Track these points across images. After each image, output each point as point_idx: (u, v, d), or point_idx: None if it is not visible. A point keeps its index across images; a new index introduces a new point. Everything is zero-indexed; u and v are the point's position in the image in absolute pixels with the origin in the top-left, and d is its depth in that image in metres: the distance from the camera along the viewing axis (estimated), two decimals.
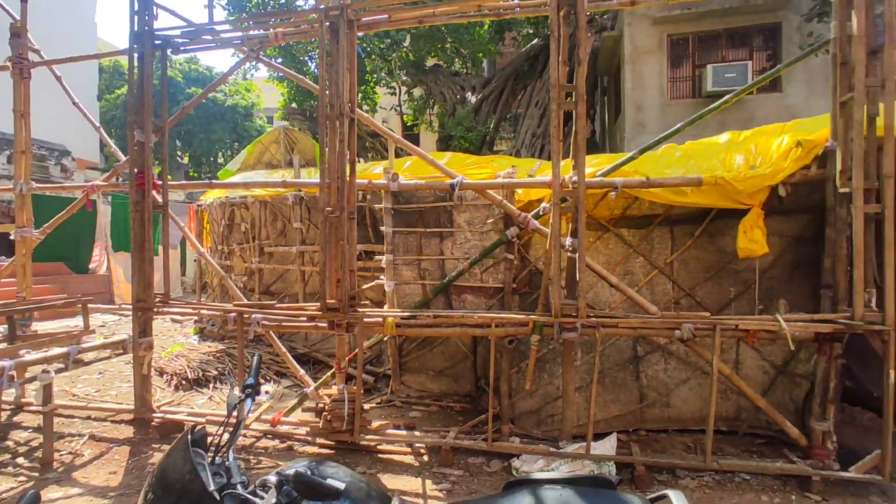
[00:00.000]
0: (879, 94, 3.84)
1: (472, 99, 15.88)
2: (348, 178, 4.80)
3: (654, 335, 4.52)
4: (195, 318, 9.48)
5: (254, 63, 14.03)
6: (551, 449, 4.42)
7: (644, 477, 4.18)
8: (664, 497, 1.90)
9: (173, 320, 10.96)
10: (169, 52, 5.48)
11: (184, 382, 6.74)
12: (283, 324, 5.21)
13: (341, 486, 1.86)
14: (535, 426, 5.12)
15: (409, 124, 20.28)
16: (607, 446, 4.49)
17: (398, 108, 18.23)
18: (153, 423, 5.24)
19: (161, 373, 7.03)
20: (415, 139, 23.95)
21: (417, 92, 18.28)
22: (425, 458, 4.79)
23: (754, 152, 4.59)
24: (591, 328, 4.28)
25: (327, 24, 4.75)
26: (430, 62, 17.29)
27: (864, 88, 3.83)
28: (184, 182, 8.76)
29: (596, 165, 5.25)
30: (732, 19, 11.23)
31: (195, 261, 10.41)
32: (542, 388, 5.12)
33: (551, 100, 4.25)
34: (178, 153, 24.10)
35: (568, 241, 4.41)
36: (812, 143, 4.23)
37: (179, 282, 15.83)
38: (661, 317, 4.25)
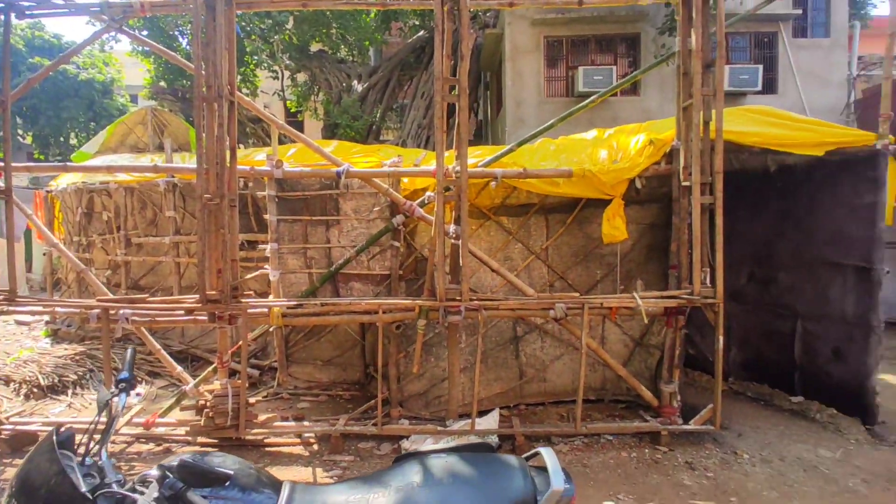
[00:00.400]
0: (713, 102, 4.46)
1: (358, 87, 15.70)
2: (229, 164, 4.59)
3: (531, 315, 4.88)
4: (47, 318, 8.48)
5: (114, 34, 12.69)
6: (439, 428, 4.63)
7: (523, 446, 4.53)
8: (537, 454, 2.12)
9: (18, 322, 9.68)
10: (13, 16, 4.82)
11: (35, 390, 6.02)
12: (158, 319, 4.87)
13: (230, 472, 1.85)
14: (424, 408, 5.31)
15: (292, 111, 19.50)
16: (490, 421, 4.79)
17: (281, 94, 17.49)
18: (1, 437, 4.65)
19: (7, 381, 6.22)
20: (299, 126, 23.07)
21: (301, 77, 17.67)
22: (315, 447, 4.77)
23: (616, 148, 5.11)
24: (474, 311, 4.52)
25: None
26: (314, 47, 16.76)
27: (701, 96, 4.43)
28: (31, 164, 7.72)
29: (478, 156, 5.52)
30: (600, 27, 12.24)
31: (44, 254, 9.22)
32: (430, 370, 5.31)
33: (435, 92, 4.40)
34: (20, 132, 21.05)
35: (452, 228, 4.61)
36: (662, 142, 4.82)
37: (24, 279, 13.93)
38: (537, 298, 4.61)
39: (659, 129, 5.27)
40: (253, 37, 13.90)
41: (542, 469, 2.07)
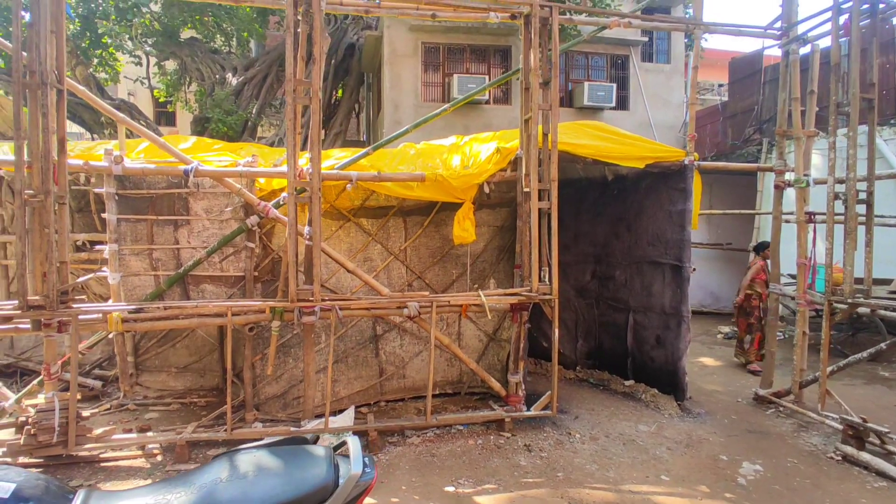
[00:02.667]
0: (549, 116, 4.92)
1: (233, 80, 14.97)
2: (57, 158, 4.23)
3: (386, 314, 5.03)
4: None
5: None
6: (292, 428, 4.62)
7: (377, 441, 4.68)
8: (344, 443, 2.25)
9: None
10: None
11: None
12: None
13: (9, 485, 1.77)
14: (282, 409, 5.26)
15: (161, 100, 18.10)
16: (346, 419, 4.88)
17: (145, 81, 16.17)
18: None
19: None
20: (170, 118, 21.49)
21: (171, 66, 16.47)
22: (159, 458, 4.54)
23: (469, 155, 5.43)
24: (328, 311, 4.58)
25: None
26: (186, 34, 15.71)
27: (539, 110, 4.86)
28: None
29: (340, 159, 5.57)
30: (475, 37, 12.78)
31: None
32: (288, 372, 5.27)
33: (286, 93, 4.39)
34: None
35: (306, 229, 4.63)
36: (508, 151, 5.20)
37: None
38: (390, 297, 4.77)
39: (510, 137, 5.68)
40: (105, 23, 12.70)
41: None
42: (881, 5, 4.75)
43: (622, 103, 13.43)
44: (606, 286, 6.77)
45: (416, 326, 5.48)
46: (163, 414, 5.53)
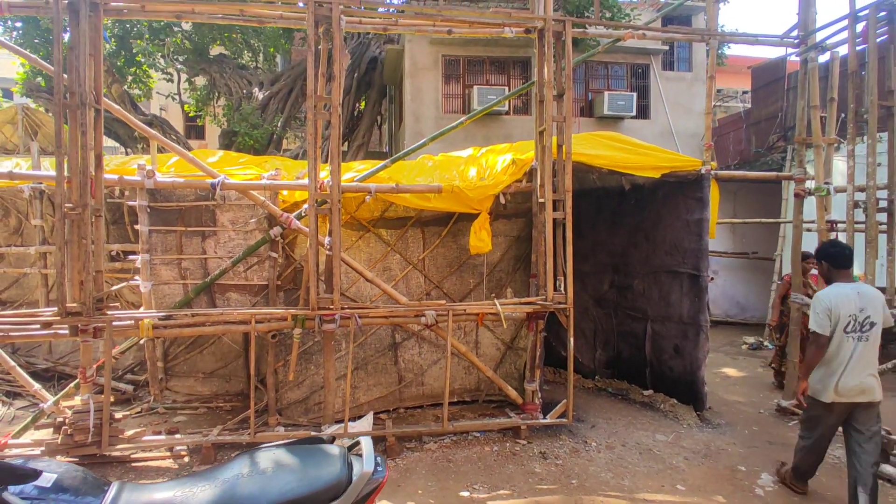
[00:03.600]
0: (563, 128, 5.00)
1: (259, 95, 15.42)
2: (94, 173, 4.49)
3: (404, 322, 5.15)
4: None
5: None
6: (312, 433, 4.75)
7: (395, 446, 4.78)
8: (358, 443, 2.36)
9: None
10: None
11: None
12: (11, 334, 4.61)
13: (38, 468, 1.93)
14: (303, 414, 5.41)
15: (191, 115, 18.70)
16: (365, 424, 5.00)
17: (176, 97, 16.77)
18: None
19: None
20: (199, 131, 22.18)
21: (201, 81, 17.06)
22: (186, 460, 4.72)
23: (485, 166, 5.54)
24: (348, 319, 4.72)
25: (65, 1, 4.38)
26: (215, 51, 16.28)
27: (552, 122, 4.95)
28: None
29: (361, 171, 5.74)
30: (494, 49, 12.94)
31: None
32: (309, 378, 5.43)
33: (307, 109, 4.58)
34: None
35: (327, 240, 4.79)
36: (523, 162, 5.30)
37: None
38: (407, 306, 4.89)
39: (525, 149, 5.78)
40: (139, 42, 13.26)
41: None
42: None
43: (643, 112, 13.40)
44: (624, 295, 6.78)
45: (434, 335, 5.58)
46: (190, 417, 5.73)
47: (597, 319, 7.12)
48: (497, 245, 5.76)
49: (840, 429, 3.91)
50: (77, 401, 4.59)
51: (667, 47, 13.51)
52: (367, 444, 2.30)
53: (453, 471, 4.43)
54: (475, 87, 12.44)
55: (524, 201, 5.58)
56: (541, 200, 5.01)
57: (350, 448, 2.40)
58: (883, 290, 5.01)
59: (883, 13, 4.69)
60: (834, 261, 3.89)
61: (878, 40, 4.74)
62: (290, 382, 5.30)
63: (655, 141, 12.79)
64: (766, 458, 4.80)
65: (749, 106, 13.42)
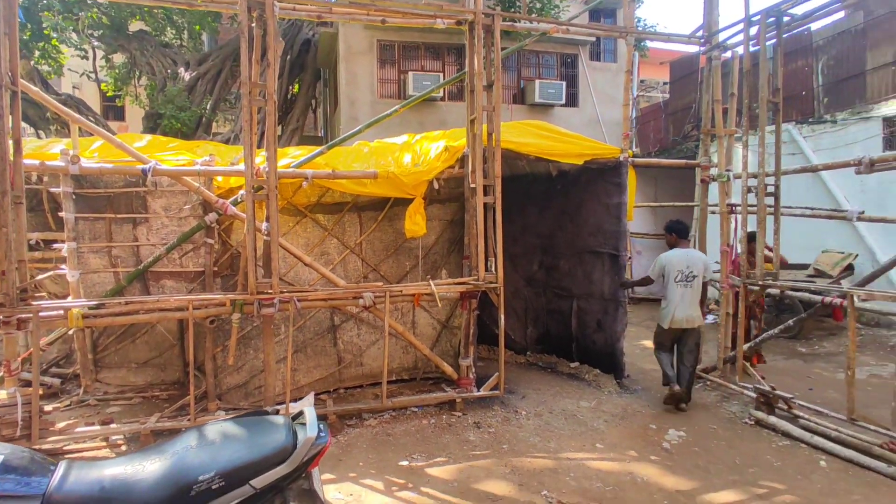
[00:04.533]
0: (493, 117, 5.28)
1: (185, 75, 14.77)
2: (12, 159, 4.32)
3: (343, 305, 5.31)
4: None
5: None
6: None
7: (336, 424, 4.97)
8: (301, 414, 2.55)
9: None
10: None
11: None
12: None
13: None
14: (244, 398, 5.48)
15: (109, 95, 17.62)
16: (305, 405, 5.14)
17: (92, 75, 15.77)
18: None
19: None
20: (119, 112, 20.90)
21: (119, 59, 16.10)
22: (124, 448, 4.70)
23: (419, 153, 5.75)
24: (287, 302, 4.83)
25: None
26: (135, 26, 15.38)
27: (482, 111, 5.22)
28: None
29: (296, 157, 5.80)
30: (430, 35, 13.05)
31: None
32: (249, 362, 5.49)
33: (242, 96, 4.60)
34: None
35: (265, 225, 4.85)
36: (456, 149, 5.55)
37: None
38: (345, 288, 5.06)
39: (458, 136, 6.02)
40: (47, 14, 12.37)
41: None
42: (785, 18, 5.30)
43: (572, 100, 14.00)
44: (552, 275, 7.22)
45: (373, 316, 5.77)
46: (124, 408, 5.65)
47: (527, 298, 7.54)
48: (432, 229, 6.00)
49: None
50: (3, 395, 4.45)
51: (594, 39, 14.12)
52: (310, 413, 2.49)
53: (393, 443, 4.68)
54: (410, 73, 12.54)
55: (457, 186, 5.84)
56: (472, 186, 5.28)
57: (294, 419, 2.58)
58: (789, 266, 5.69)
59: (772, 19, 5.26)
60: (678, 233, 5.67)
61: (769, 43, 5.31)
62: (230, 367, 5.35)
63: (584, 128, 13.43)
64: (674, 417, 5.37)
65: (668, 97, 14.32)
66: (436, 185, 5.52)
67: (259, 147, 5.75)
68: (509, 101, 13.86)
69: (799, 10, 5.30)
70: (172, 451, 2.27)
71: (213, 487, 2.13)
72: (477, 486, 3.93)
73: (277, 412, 2.73)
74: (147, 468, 2.18)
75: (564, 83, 13.52)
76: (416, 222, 5.35)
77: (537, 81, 13.19)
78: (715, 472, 4.23)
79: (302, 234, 5.84)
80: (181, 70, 15.01)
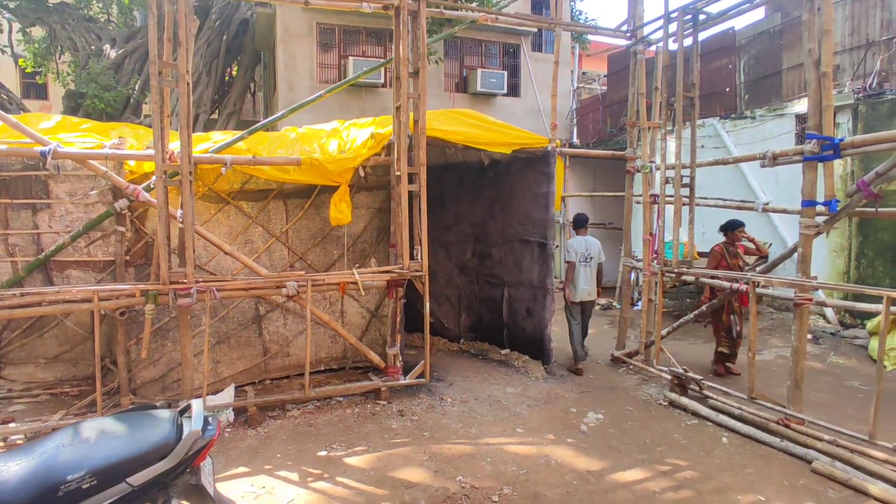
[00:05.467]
0: (419, 104, 5.24)
1: (111, 53, 13.93)
2: None
3: (265, 294, 5.18)
4: None
5: None
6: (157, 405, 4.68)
7: (256, 416, 4.86)
8: (189, 406, 2.47)
9: None
10: None
11: None
12: None
13: None
14: (161, 392, 5.28)
15: (28, 71, 16.42)
16: (225, 397, 5.01)
17: (7, 49, 14.65)
18: None
19: None
20: (41, 90, 19.54)
21: (39, 33, 15.00)
22: None
23: (346, 140, 5.65)
24: (204, 292, 4.66)
25: None
26: None
27: (408, 99, 5.17)
28: None
29: (217, 142, 5.57)
30: (371, 20, 12.80)
31: None
32: (166, 355, 5.29)
33: (151, 76, 4.37)
34: None
35: (180, 212, 4.65)
36: (382, 136, 5.48)
37: None
38: (266, 277, 4.93)
39: (387, 123, 5.94)
40: None
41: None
42: (701, 16, 5.51)
43: (514, 90, 14.11)
44: (485, 263, 7.30)
45: (300, 306, 5.66)
46: (30, 406, 5.33)
47: (461, 286, 7.60)
48: (360, 217, 5.93)
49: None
50: None
51: (535, 30, 14.25)
52: (196, 406, 2.41)
53: (313, 434, 4.63)
54: (351, 58, 12.29)
55: (385, 174, 5.78)
56: (397, 173, 5.24)
57: (182, 412, 2.50)
58: (702, 254, 5.95)
59: (688, 16, 5.45)
60: (576, 224, 6.78)
61: (686, 40, 5.50)
62: (145, 361, 5.14)
63: (525, 118, 13.59)
64: (595, 400, 5.56)
65: (606, 89, 14.66)
66: (362, 173, 5.44)
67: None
68: (452, 89, 13.84)
69: (714, 9, 5.51)
70: (42, 450, 2.15)
71: (84, 487, 2.04)
72: (393, 474, 3.94)
73: (169, 405, 2.63)
74: (11, 469, 2.06)
75: (506, 73, 13.61)
76: (340, 210, 5.27)
77: (479, 70, 13.21)
78: (626, 451, 4.41)
79: (224, 221, 5.64)
80: (106, 47, 14.16)
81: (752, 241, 6.60)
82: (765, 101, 9.79)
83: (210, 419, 2.38)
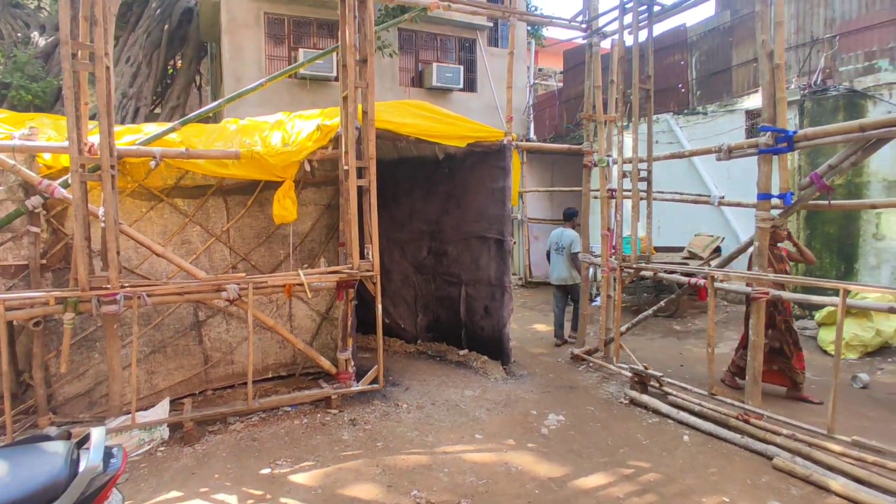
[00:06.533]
0: (367, 94, 4.94)
1: (40, 41, 12.98)
2: None
3: (203, 299, 4.77)
4: None
5: None
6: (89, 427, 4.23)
7: (193, 432, 4.46)
8: (89, 435, 2.12)
9: None
10: None
11: None
12: None
13: None
14: (88, 409, 4.81)
15: None
16: (159, 412, 4.58)
17: None
18: None
19: None
20: None
21: None
22: None
23: (291, 132, 5.28)
24: (132, 298, 4.24)
25: None
26: None
27: (355, 88, 4.86)
28: None
29: (148, 134, 5.11)
30: (322, 11, 12.36)
31: None
32: (94, 367, 4.83)
33: (62, 58, 3.91)
34: None
35: (101, 210, 4.21)
36: (329, 128, 5.15)
37: None
38: (203, 281, 4.54)
39: (335, 115, 5.60)
40: None
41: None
42: (656, 8, 5.42)
43: (470, 85, 13.92)
44: (441, 261, 7.06)
45: (243, 310, 5.28)
46: None
47: (417, 285, 7.34)
48: (307, 214, 5.59)
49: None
50: None
51: (491, 24, 14.11)
52: (96, 435, 2.07)
53: (257, 449, 4.28)
54: (301, 50, 11.82)
55: (333, 169, 5.46)
56: (345, 167, 4.93)
57: (81, 443, 2.14)
58: (660, 248, 5.87)
59: (643, 6, 5.35)
60: (566, 217, 7.68)
61: (642, 32, 5.40)
62: (69, 375, 4.65)
63: (482, 113, 13.40)
64: (556, 401, 5.40)
65: (562, 85, 14.66)
66: (308, 167, 5.10)
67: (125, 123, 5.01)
68: (407, 84, 13.53)
69: (668, 0, 5.43)
70: None
71: None
72: (342, 492, 3.65)
73: (69, 435, 2.26)
74: None
75: (462, 67, 13.40)
76: (285, 207, 4.92)
77: (435, 65, 12.95)
78: (587, 455, 4.25)
79: (158, 220, 5.19)
80: (35, 34, 13.19)
81: (796, 244, 5.45)
82: (716, 96, 9.92)
83: (115, 450, 2.04)
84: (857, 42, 7.95)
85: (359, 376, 5.37)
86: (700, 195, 7.36)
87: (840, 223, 7.90)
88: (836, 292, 3.88)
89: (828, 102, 7.91)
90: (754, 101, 8.88)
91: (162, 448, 4.31)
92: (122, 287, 4.20)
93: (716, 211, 9.28)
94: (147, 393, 5.07)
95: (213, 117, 15.95)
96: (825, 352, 7.03)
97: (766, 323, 4.71)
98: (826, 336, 7.14)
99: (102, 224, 4.23)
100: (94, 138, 4.34)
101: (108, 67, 4.08)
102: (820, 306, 6.99)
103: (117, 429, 4.26)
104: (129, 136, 4.95)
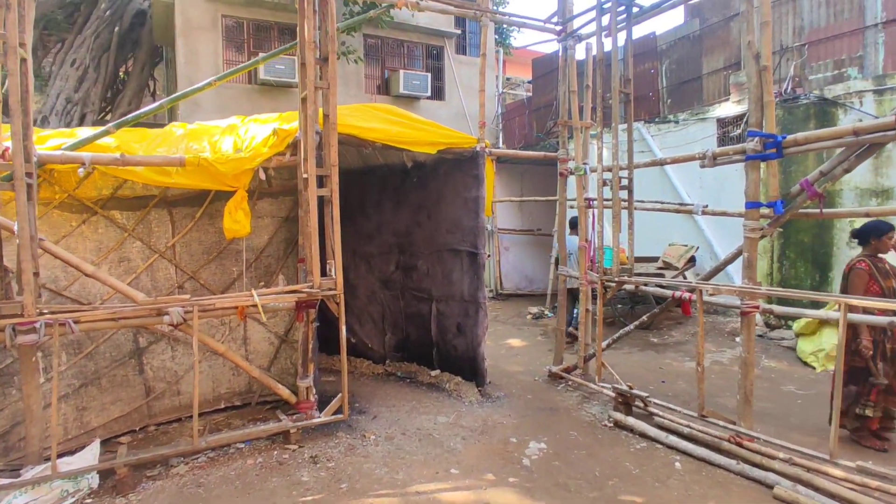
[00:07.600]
0: (329, 95, 4.51)
1: None
2: None
3: (142, 324, 4.22)
4: None
5: None
6: (3, 481, 3.62)
7: (127, 479, 3.87)
8: None
9: None
10: None
11: None
12: None
13: None
14: (2, 455, 4.16)
15: None
16: (87, 456, 3.97)
17: None
18: None
19: None
20: None
21: None
22: None
23: (244, 137, 4.79)
24: (53, 325, 3.66)
25: None
26: None
27: (315, 89, 4.42)
28: None
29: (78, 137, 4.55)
30: (282, 15, 11.89)
31: None
32: (10, 406, 4.19)
33: None
34: None
35: (16, 226, 3.64)
36: (286, 133, 4.67)
37: None
38: (140, 304, 3.99)
39: (294, 119, 5.14)
40: None
41: None
42: (635, 9, 5.17)
43: (438, 93, 13.62)
44: (410, 276, 6.62)
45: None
46: None
47: (384, 302, 6.88)
48: (263, 227, 5.10)
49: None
50: None
51: (459, 31, 13.87)
52: None
53: (202, 498, 3.74)
54: (261, 55, 11.26)
55: (291, 177, 4.99)
56: (304, 176, 4.47)
57: None
58: (640, 259, 5.58)
59: (622, 7, 5.11)
60: (572, 225, 6.97)
61: (621, 35, 5.15)
62: None
63: (451, 122, 13.06)
64: (536, 426, 5.02)
65: (531, 94, 14.51)
66: (262, 176, 4.61)
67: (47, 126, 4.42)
68: (373, 91, 13.14)
69: (646, 1, 5.20)
70: None
71: None
72: None
73: None
74: None
75: (430, 75, 13.09)
76: (237, 220, 4.41)
77: (402, 72, 12.60)
78: (575, 489, 3.87)
79: (91, 235, 4.61)
80: None
81: None
82: (687, 105, 9.85)
83: None
84: (826, 50, 7.95)
85: (322, 403, 4.87)
86: (683, 204, 7.17)
87: (813, 231, 7.83)
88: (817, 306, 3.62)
89: (799, 111, 7.86)
90: (725, 109, 8.81)
91: (89, 500, 3.72)
92: (42, 314, 3.62)
93: (688, 220, 9.15)
94: (77, 433, 4.45)
95: (167, 122, 15.20)
96: (805, 363, 6.89)
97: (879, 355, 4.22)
98: (805, 347, 7.00)
99: (17, 241, 3.66)
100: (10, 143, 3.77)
101: (24, 59, 3.53)
102: (797, 317, 6.84)
103: (34, 480, 3.65)
104: (57, 140, 4.38)
